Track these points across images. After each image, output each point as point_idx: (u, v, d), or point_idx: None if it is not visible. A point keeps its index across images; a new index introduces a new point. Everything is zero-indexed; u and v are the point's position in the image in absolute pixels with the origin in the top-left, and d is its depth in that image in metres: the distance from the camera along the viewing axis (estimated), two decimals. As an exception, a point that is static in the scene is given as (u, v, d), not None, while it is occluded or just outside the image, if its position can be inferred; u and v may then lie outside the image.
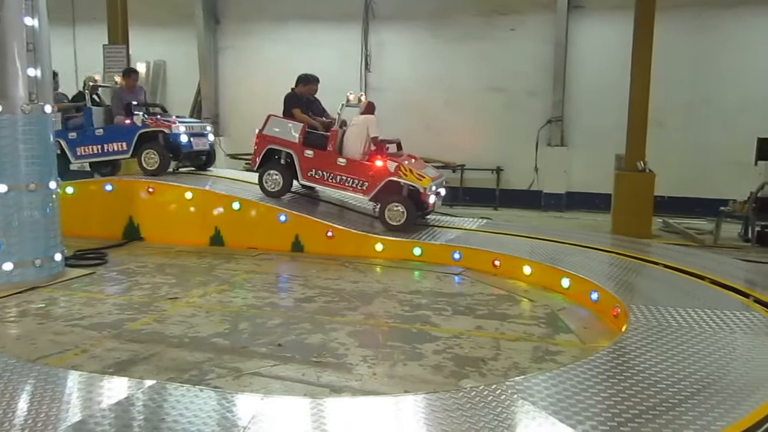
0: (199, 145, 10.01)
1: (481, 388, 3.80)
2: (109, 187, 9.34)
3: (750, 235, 9.99)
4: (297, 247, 8.66)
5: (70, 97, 10.94)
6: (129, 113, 9.68)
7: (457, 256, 7.90)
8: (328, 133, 8.87)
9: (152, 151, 9.53)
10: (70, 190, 9.29)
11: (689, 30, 13.18)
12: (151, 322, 5.73)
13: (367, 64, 15.44)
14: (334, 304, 6.37)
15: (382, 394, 4.19)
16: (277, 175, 9.04)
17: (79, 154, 9.99)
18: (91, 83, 10.25)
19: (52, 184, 6.97)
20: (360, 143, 8.70)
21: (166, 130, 9.59)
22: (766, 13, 12.82)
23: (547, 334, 5.55)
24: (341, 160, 8.71)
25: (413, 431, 3.37)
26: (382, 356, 4.96)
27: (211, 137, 10.38)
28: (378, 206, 8.79)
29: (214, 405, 3.57)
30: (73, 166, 10.69)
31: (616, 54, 12.49)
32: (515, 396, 3.64)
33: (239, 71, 16.54)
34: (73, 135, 9.95)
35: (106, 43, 12.82)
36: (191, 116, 16.61)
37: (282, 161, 9.07)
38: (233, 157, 15.81)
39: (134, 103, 9.82)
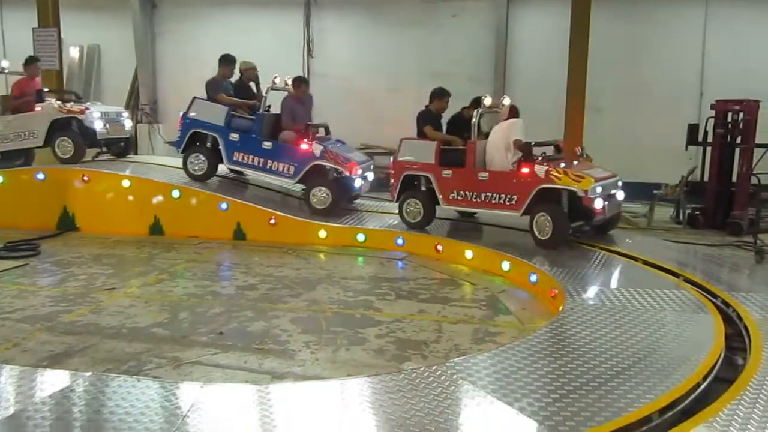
0: (365, 188, 9.09)
1: (422, 369, 3.85)
2: (41, 176, 9.02)
3: (681, 217, 10.37)
4: (239, 235, 8.55)
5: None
6: (306, 135, 8.64)
7: (400, 241, 7.95)
8: (464, 147, 7.73)
9: (324, 189, 8.57)
10: (-2, 179, 8.94)
11: (625, 18, 13.50)
12: (87, 314, 5.58)
13: (309, 50, 15.29)
14: (276, 291, 6.34)
15: (325, 379, 4.20)
16: (416, 203, 7.96)
17: (235, 159, 8.90)
18: (268, 86, 9.00)
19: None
20: (506, 152, 7.49)
21: (346, 172, 8.56)
22: (698, 4, 13.25)
23: (488, 316, 5.66)
24: (482, 175, 7.46)
25: (354, 414, 3.39)
26: (324, 342, 4.97)
27: (370, 176, 9.17)
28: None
29: (152, 395, 3.51)
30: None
31: (555, 41, 12.70)
32: (455, 376, 3.70)
33: (178, 57, 16.10)
34: (234, 137, 8.86)
35: (36, 26, 12.29)
36: (128, 102, 16.14)
37: (423, 187, 7.95)
38: (172, 144, 15.45)
39: (312, 124, 8.87)
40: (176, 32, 16.08)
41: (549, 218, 6.99)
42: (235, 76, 9.63)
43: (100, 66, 16.66)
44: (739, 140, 9.73)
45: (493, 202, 7.41)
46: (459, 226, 8.32)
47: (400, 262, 7.52)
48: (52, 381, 3.72)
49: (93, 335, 5.05)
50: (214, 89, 9.17)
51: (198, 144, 9.08)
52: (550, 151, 7.66)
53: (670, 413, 3.37)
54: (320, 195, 8.58)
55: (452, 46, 14.52)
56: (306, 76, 15.07)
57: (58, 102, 9.46)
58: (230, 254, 7.98)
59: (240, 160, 8.92)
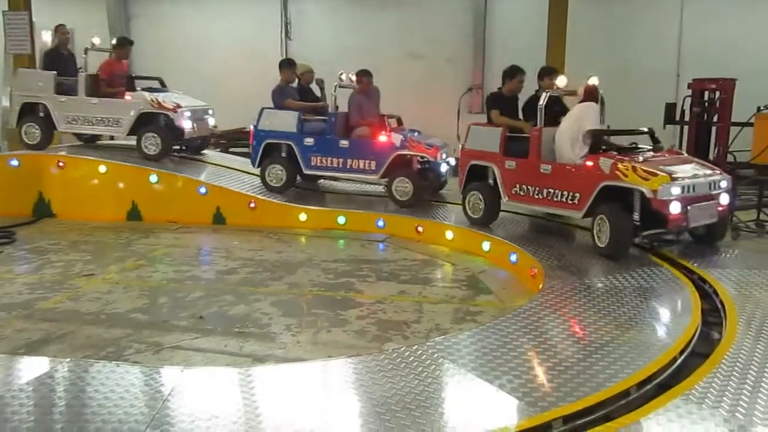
0: (449, 174, 8.64)
1: (403, 349, 3.86)
2: (14, 162, 8.85)
3: (659, 196, 10.43)
4: (218, 219, 8.47)
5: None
6: (382, 127, 8.33)
7: (380, 223, 7.94)
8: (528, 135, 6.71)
9: (407, 180, 8.12)
10: (-29, 166, 8.76)
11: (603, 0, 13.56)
12: (65, 300, 5.52)
13: (287, 32, 15.14)
14: (257, 274, 6.32)
15: (306, 361, 4.19)
16: (478, 196, 7.16)
17: (313, 164, 8.52)
18: (336, 84, 8.62)
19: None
20: (574, 142, 6.28)
21: (431, 158, 8.19)
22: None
23: (468, 296, 5.69)
24: (545, 168, 6.45)
25: (336, 395, 3.39)
26: (305, 324, 4.97)
27: (452, 161, 8.50)
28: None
29: (132, 379, 3.48)
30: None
31: (534, 22, 12.68)
32: (436, 356, 3.72)
33: (153, 40, 15.86)
34: (309, 141, 8.46)
35: (6, 9, 12.01)
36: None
37: (490, 179, 7.08)
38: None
39: (384, 115, 8.59)
40: (151, 15, 15.84)
41: (607, 222, 5.82)
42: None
43: (74, 49, 16.33)
44: (715, 119, 9.79)
45: (554, 199, 6.41)
46: (537, 225, 7.38)
47: (380, 244, 7.52)
48: (29, 368, 3.68)
49: (71, 322, 5.00)
50: (281, 96, 8.79)
51: (273, 155, 8.69)
52: (644, 141, 6.65)
53: (648, 387, 3.42)
54: (402, 187, 8.15)
55: (431, 27, 14.47)
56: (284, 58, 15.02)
57: (150, 94, 8.98)
58: (210, 239, 7.93)
59: (318, 164, 8.54)
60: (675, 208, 5.58)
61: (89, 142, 9.89)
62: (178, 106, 8.94)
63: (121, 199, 8.68)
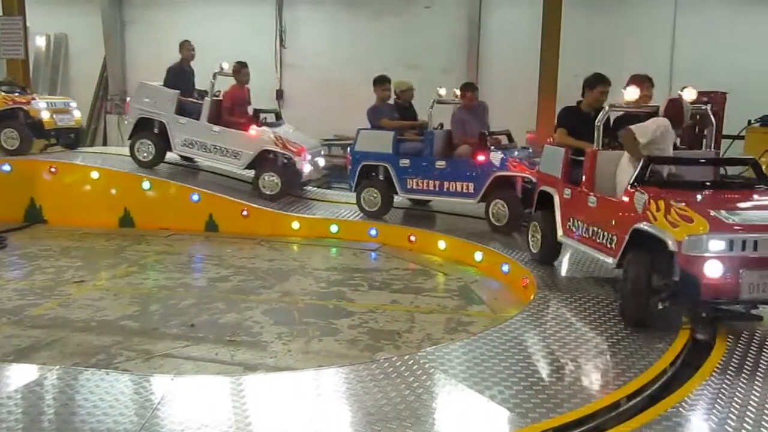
0: None
1: (394, 359, 3.86)
2: (6, 168, 8.81)
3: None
4: (211, 226, 8.45)
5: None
6: (483, 146, 7.47)
7: (373, 232, 7.94)
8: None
9: (503, 203, 7.29)
10: (-37, 171, 8.71)
11: (596, 9, 13.64)
12: (55, 307, 5.49)
13: (282, 40, 15.17)
14: (249, 282, 6.30)
15: (297, 370, 4.18)
16: (536, 227, 6.08)
17: (409, 186, 7.86)
18: (434, 99, 7.96)
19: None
20: (628, 167, 4.98)
21: (534, 179, 6.85)
22: (667, -4, 13.45)
23: (460, 306, 5.70)
24: (591, 200, 5.20)
25: (328, 404, 3.39)
26: (297, 333, 4.96)
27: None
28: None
29: (122, 387, 3.46)
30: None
31: (527, 33, 12.76)
32: (427, 366, 3.72)
33: (148, 46, 15.85)
34: (405, 162, 7.81)
35: (0, 14, 12.00)
36: (97, 92, 15.90)
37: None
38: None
39: (487, 132, 7.67)
40: (146, 21, 15.85)
41: (627, 276, 4.47)
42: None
43: (68, 55, 16.36)
44: (706, 131, 9.87)
45: (597, 240, 5.09)
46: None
47: (373, 253, 7.52)
48: (18, 375, 3.65)
49: (61, 328, 4.97)
50: (375, 116, 8.26)
51: (369, 178, 8.14)
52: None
53: (638, 399, 3.43)
54: (497, 210, 7.35)
55: (425, 37, 14.53)
56: (278, 66, 15.08)
57: (274, 131, 8.64)
58: (202, 246, 7.91)
59: (414, 187, 7.86)
60: (712, 270, 3.95)
61: (188, 160, 9.60)
62: (302, 149, 8.63)
63: (113, 206, 8.65)
